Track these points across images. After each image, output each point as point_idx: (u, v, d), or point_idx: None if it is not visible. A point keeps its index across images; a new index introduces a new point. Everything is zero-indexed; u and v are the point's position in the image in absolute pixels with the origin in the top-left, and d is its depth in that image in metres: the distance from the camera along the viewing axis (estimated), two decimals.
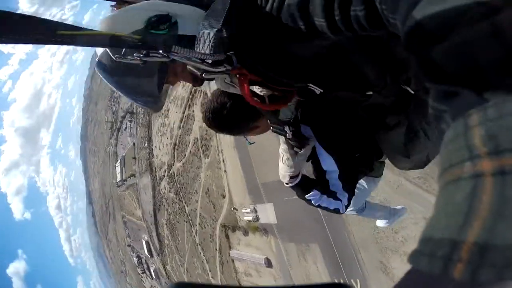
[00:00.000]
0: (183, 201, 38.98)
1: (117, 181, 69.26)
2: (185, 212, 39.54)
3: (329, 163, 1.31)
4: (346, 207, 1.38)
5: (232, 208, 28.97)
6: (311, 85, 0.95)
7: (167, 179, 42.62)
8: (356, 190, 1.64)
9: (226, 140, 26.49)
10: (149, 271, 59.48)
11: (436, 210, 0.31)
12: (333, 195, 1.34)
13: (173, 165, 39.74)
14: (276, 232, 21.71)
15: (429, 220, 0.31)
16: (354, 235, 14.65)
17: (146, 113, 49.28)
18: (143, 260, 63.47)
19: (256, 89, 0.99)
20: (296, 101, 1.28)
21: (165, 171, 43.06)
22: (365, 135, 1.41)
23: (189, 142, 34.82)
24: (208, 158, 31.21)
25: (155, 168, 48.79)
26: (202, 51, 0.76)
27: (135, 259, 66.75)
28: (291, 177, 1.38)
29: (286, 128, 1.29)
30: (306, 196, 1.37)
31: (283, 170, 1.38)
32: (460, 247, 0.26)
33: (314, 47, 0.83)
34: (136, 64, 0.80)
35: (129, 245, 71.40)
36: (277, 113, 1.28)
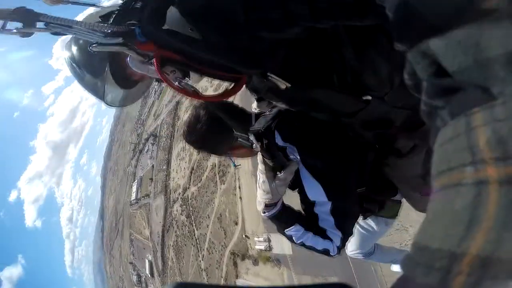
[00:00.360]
0: (194, 224, 39.31)
1: (131, 199, 70.41)
2: (194, 236, 39.73)
3: (316, 192, 1.05)
4: (339, 249, 1.10)
5: (244, 236, 28.53)
6: (271, 75, 0.76)
7: (180, 202, 43.18)
8: (362, 231, 1.47)
9: (244, 167, 26.59)
10: None
11: (432, 216, 0.29)
12: (321, 233, 1.07)
13: (188, 188, 40.22)
14: (290, 263, 20.44)
15: (425, 225, 0.29)
16: (383, 271, 11.84)
17: (168, 137, 51.38)
18: (143, 279, 62.46)
19: (171, 72, 0.76)
20: (278, 110, 1.10)
21: (180, 194, 43.66)
22: (369, 161, 1.16)
23: (207, 167, 35.32)
24: (224, 184, 31.40)
25: (170, 190, 49.85)
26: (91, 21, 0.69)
27: (135, 277, 65.93)
28: (267, 205, 1.11)
29: (252, 138, 1.07)
30: (285, 231, 1.11)
31: (259, 196, 1.12)
32: (461, 259, 0.24)
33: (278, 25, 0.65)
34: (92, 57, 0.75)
35: (131, 263, 70.69)
36: (243, 118, 1.13)
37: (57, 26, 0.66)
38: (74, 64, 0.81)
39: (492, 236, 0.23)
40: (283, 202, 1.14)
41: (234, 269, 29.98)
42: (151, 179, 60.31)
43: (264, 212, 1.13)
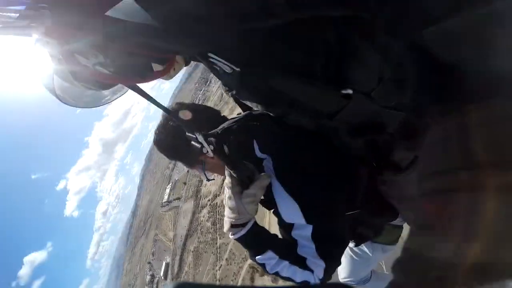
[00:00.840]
0: (218, 232, 38.78)
1: (163, 201, 72.27)
2: (216, 244, 39.07)
3: (291, 213, 0.83)
4: (322, 280, 0.88)
5: None
6: (213, 56, 0.60)
7: (209, 208, 43.03)
8: (356, 257, 1.27)
9: None
10: None
11: (424, 221, 0.28)
12: (300, 262, 0.85)
13: (219, 196, 39.77)
14: None
15: (417, 231, 0.28)
16: None
17: None
18: (155, 280, 62.67)
19: (92, 56, 0.61)
20: (249, 112, 0.93)
21: (209, 200, 43.64)
22: (361, 179, 0.93)
23: None
24: None
25: (201, 196, 50.08)
26: None
27: (148, 277, 66.39)
28: (232, 226, 0.87)
29: (200, 138, 0.78)
30: (256, 258, 0.89)
31: (226, 215, 0.90)
32: (458, 269, 0.23)
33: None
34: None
35: (149, 262, 71.25)
36: (213, 124, 0.92)
37: None
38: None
39: (489, 245, 0.22)
40: (254, 222, 0.89)
41: (250, 284, 28.59)
42: (185, 183, 61.37)
43: (232, 234, 0.89)
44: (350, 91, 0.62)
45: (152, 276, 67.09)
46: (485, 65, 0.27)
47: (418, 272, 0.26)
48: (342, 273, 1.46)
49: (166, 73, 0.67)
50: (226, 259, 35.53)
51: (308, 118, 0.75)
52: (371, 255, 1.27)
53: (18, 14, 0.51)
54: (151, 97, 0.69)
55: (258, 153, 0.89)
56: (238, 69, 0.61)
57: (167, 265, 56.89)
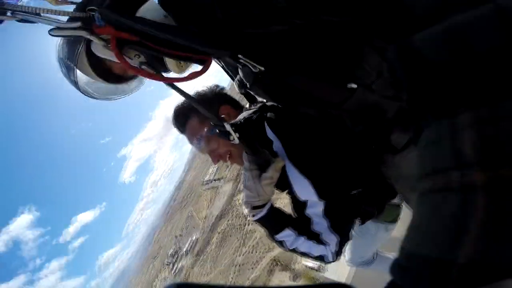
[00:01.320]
0: (247, 218, 35.35)
1: (205, 179, 72.03)
2: (244, 229, 35.64)
3: (305, 191, 0.94)
4: (337, 253, 1.01)
5: None
6: (242, 57, 0.69)
7: None
8: (361, 237, 1.30)
9: None
10: (175, 265, 57.43)
11: (420, 221, 0.28)
12: (315, 237, 0.99)
13: None
14: None
15: (412, 230, 0.28)
16: None
17: None
18: (178, 254, 62.21)
19: (135, 56, 0.73)
20: (262, 103, 1.01)
21: None
22: (363, 158, 0.99)
23: None
24: None
25: (240, 180, 47.81)
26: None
27: (171, 250, 66.42)
28: (253, 208, 1.01)
29: (228, 127, 0.91)
30: (275, 236, 1.02)
31: (245, 197, 1.00)
32: (451, 267, 0.23)
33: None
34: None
35: (176, 236, 71.39)
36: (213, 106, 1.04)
37: (22, 14, 0.67)
38: (57, 58, 0.82)
39: (481, 244, 0.23)
40: (271, 204, 1.04)
41: (267, 277, 24.55)
42: (228, 165, 60.08)
43: (252, 216, 1.04)
44: (354, 85, 0.74)
45: (175, 250, 66.67)
46: (471, 68, 0.27)
47: (413, 272, 0.26)
48: (348, 254, 1.55)
49: (203, 73, 0.80)
50: (250, 246, 31.61)
51: (316, 108, 0.83)
52: (375, 234, 1.37)
53: (69, 17, 0.66)
54: (186, 94, 0.87)
55: (269, 134, 0.98)
56: (262, 68, 0.72)
57: (192, 242, 55.46)
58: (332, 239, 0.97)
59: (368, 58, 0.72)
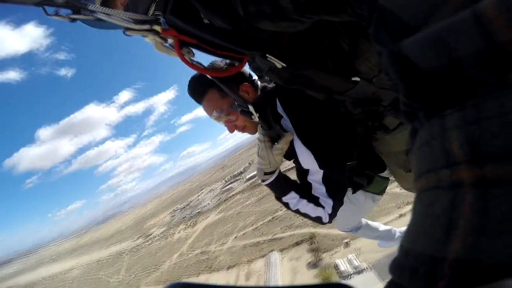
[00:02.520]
0: None
1: None
2: None
3: (308, 161, 1.07)
4: (331, 216, 1.12)
5: (345, 242, 21.62)
6: (269, 56, 0.82)
7: None
8: (351, 205, 1.44)
9: None
10: (228, 184, 66.16)
11: (415, 219, 0.29)
12: (314, 200, 1.11)
13: None
14: None
15: (409, 228, 0.29)
16: None
17: None
18: (238, 178, 67.93)
19: (187, 53, 0.85)
20: (276, 85, 1.17)
21: None
22: (359, 136, 1.17)
23: None
24: None
25: None
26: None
27: (237, 171, 72.69)
28: (265, 173, 1.16)
29: (251, 108, 1.07)
30: (282, 198, 1.17)
31: (258, 164, 1.18)
32: (442, 263, 0.24)
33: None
34: None
35: (249, 163, 76.83)
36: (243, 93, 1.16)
37: (100, 14, 0.74)
38: None
39: (469, 240, 0.23)
40: (280, 170, 1.18)
41: (291, 244, 22.87)
42: None
43: (263, 180, 1.19)
44: (357, 79, 0.87)
45: (239, 173, 71.83)
46: (455, 72, 0.28)
47: (409, 269, 0.26)
48: (339, 221, 1.58)
49: (241, 68, 0.96)
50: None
51: (323, 94, 0.95)
52: (364, 202, 1.45)
53: (140, 19, 0.75)
54: (225, 83, 1.01)
55: (279, 109, 1.11)
56: (284, 65, 0.83)
57: (254, 175, 57.39)
58: (328, 203, 1.09)
59: (369, 57, 0.81)
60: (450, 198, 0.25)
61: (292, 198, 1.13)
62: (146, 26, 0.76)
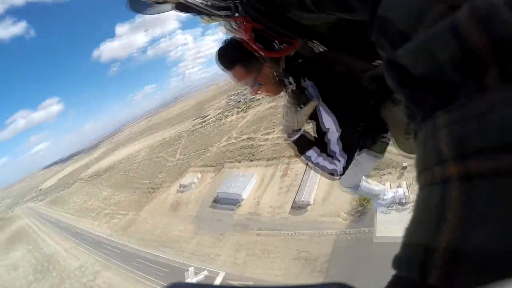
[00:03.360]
0: None
1: None
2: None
3: (329, 122, 1.26)
4: (344, 169, 1.31)
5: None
6: (315, 41, 0.99)
7: None
8: (356, 163, 1.55)
9: None
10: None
11: (414, 214, 0.31)
12: (331, 156, 1.31)
13: None
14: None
15: (409, 223, 0.30)
16: None
17: None
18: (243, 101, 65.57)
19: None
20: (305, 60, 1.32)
21: None
22: (370, 104, 1.34)
23: None
24: None
25: None
26: None
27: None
28: (291, 131, 1.37)
29: (290, 79, 1.30)
30: (304, 153, 1.35)
31: (286, 122, 1.36)
32: (434, 253, 0.25)
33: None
34: None
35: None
36: (282, 64, 1.31)
37: (191, 4, 0.89)
38: None
39: (457, 231, 0.24)
40: (303, 130, 1.38)
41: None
42: None
43: (289, 137, 1.38)
44: (378, 63, 1.01)
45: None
46: (440, 77, 0.30)
47: (407, 260, 0.27)
48: (345, 178, 1.64)
49: (293, 50, 1.14)
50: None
51: (347, 70, 1.15)
52: (366, 160, 1.56)
53: (222, 6, 0.90)
54: (274, 61, 1.25)
55: (303, 83, 1.30)
56: (325, 49, 1.00)
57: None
58: (342, 159, 1.27)
59: None
60: (441, 193, 0.26)
61: (312, 153, 1.33)
62: (227, 13, 0.92)
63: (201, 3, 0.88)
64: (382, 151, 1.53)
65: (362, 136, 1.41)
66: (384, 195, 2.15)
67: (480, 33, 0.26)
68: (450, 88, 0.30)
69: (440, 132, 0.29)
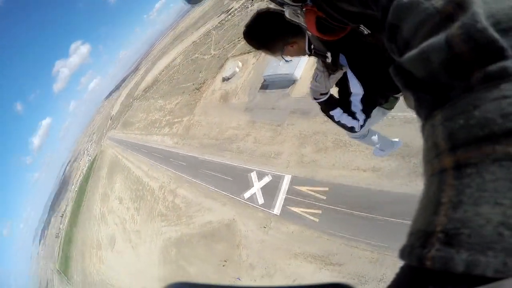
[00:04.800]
0: None
1: None
2: None
3: (356, 86, 1.40)
4: (361, 126, 1.48)
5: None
6: (362, 26, 1.07)
7: None
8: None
9: None
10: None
11: (418, 204, 0.32)
12: (352, 114, 1.46)
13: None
14: None
15: (414, 215, 0.32)
16: None
17: None
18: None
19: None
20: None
21: None
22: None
23: None
24: None
25: None
26: None
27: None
28: (321, 94, 1.54)
29: (328, 54, 1.39)
30: (330, 112, 1.52)
31: (315, 87, 1.53)
32: (431, 236, 0.26)
33: None
34: None
35: None
36: (325, 41, 1.40)
37: None
38: None
39: (450, 213, 0.26)
40: (331, 93, 1.58)
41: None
42: None
43: (318, 98, 1.55)
44: None
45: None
46: (435, 80, 0.34)
47: (410, 246, 0.29)
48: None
49: (345, 33, 1.16)
50: None
51: (377, 43, 1.15)
52: (376, 116, 1.65)
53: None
54: (322, 42, 1.31)
55: (342, 60, 1.39)
56: (369, 31, 1.06)
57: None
58: (361, 117, 1.44)
59: None
60: (438, 182, 0.29)
61: (337, 112, 1.49)
62: (299, 3, 1.03)
63: None
64: (392, 107, 1.64)
65: (378, 96, 1.51)
66: (387, 144, 2.22)
67: (465, 42, 0.30)
68: (445, 90, 0.33)
69: (437, 129, 0.31)
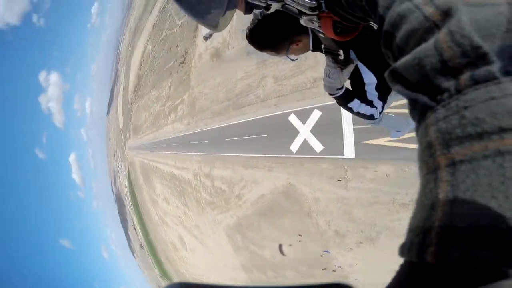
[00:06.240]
0: None
1: None
2: None
3: (369, 77, 1.41)
4: (380, 113, 1.49)
5: None
6: (371, 22, 1.08)
7: None
8: None
9: None
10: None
11: (417, 201, 0.33)
12: (370, 103, 1.47)
13: None
14: None
15: (412, 213, 0.33)
16: None
17: None
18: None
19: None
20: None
21: None
22: None
23: None
24: None
25: None
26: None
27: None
28: (337, 89, 1.52)
29: (340, 52, 1.40)
30: (348, 104, 1.52)
31: (330, 83, 1.51)
32: (430, 231, 0.27)
33: None
34: None
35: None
36: (337, 41, 1.43)
37: (292, 4, 1.02)
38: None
39: (446, 209, 0.26)
40: (345, 86, 1.56)
41: None
42: None
43: (335, 94, 1.53)
44: None
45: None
46: (428, 82, 0.35)
47: (409, 243, 0.29)
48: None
49: (357, 33, 1.16)
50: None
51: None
52: (389, 100, 1.65)
53: (313, 6, 0.99)
54: (336, 42, 1.30)
55: (351, 54, 1.40)
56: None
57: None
58: (379, 104, 1.44)
59: None
60: (434, 179, 0.29)
61: (355, 103, 1.48)
62: (315, 12, 1.01)
63: (299, 9, 1.03)
64: None
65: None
66: (403, 125, 2.17)
67: (451, 48, 0.32)
68: (437, 93, 0.33)
69: (430, 129, 0.32)
